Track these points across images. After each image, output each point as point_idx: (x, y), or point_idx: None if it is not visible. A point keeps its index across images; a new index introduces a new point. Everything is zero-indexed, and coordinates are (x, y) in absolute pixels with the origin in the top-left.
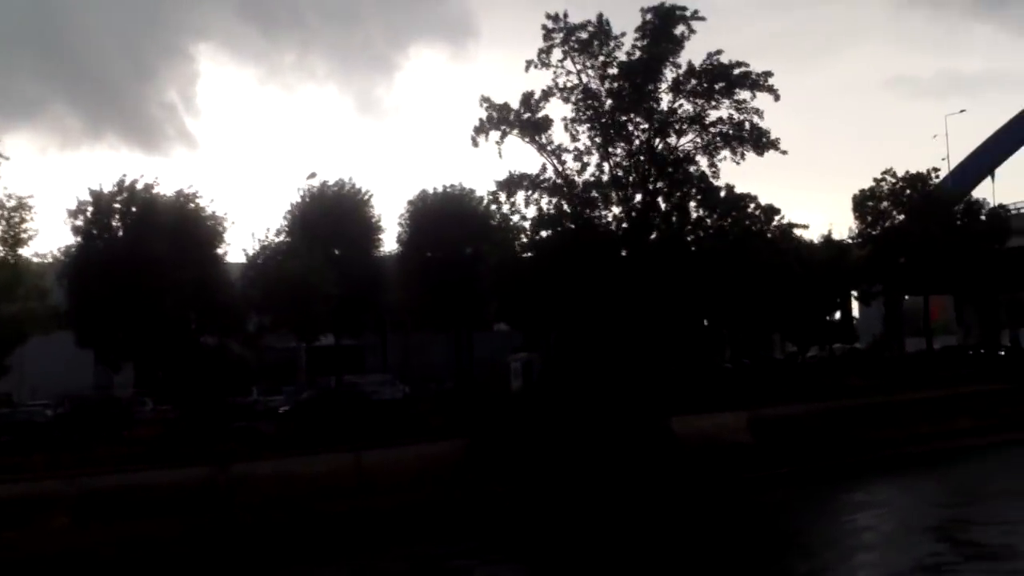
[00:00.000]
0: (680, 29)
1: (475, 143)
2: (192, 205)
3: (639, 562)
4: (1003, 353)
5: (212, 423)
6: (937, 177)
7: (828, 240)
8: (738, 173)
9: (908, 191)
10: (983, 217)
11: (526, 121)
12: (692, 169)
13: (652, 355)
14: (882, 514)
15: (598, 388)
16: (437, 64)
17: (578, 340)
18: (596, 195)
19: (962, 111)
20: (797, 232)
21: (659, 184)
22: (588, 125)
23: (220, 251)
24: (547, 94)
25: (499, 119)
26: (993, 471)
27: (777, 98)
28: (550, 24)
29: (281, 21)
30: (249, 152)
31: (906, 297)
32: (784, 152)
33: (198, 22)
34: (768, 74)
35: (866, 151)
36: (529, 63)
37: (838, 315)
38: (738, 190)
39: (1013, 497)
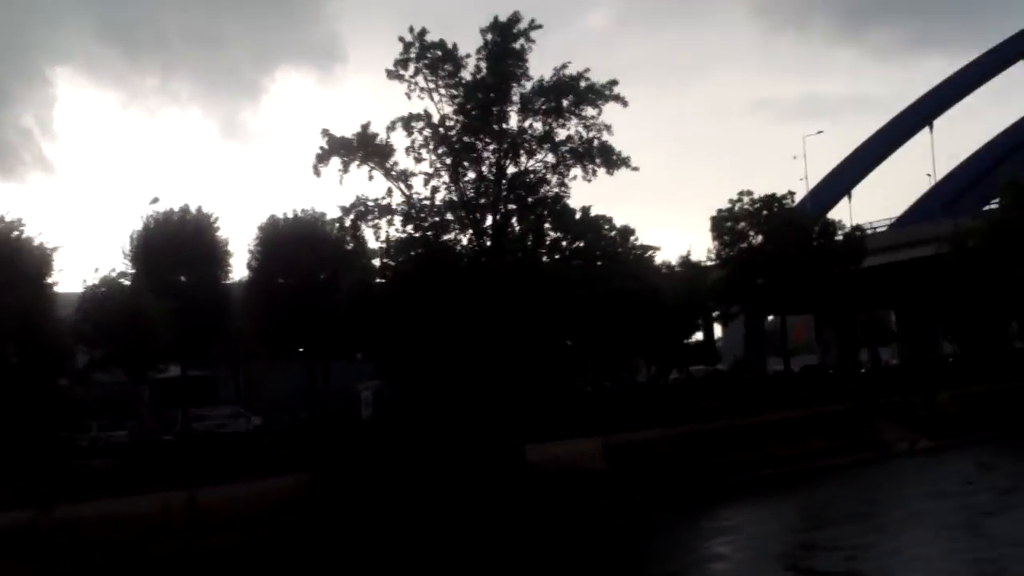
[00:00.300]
0: (520, 43)
1: (317, 172)
2: (16, 234)
3: None
4: (864, 371)
5: (39, 462)
6: (793, 199)
7: (686, 261)
8: (608, 198)
9: (764, 212)
10: (839, 237)
11: (369, 149)
12: (544, 190)
13: (504, 381)
14: (733, 541)
15: (446, 416)
16: (304, 88)
17: (426, 367)
18: (449, 219)
19: (819, 132)
20: (649, 254)
21: (512, 206)
22: (438, 148)
23: (48, 282)
24: (394, 124)
25: (341, 147)
26: (844, 493)
27: (625, 105)
28: (408, 38)
29: (144, 43)
30: (108, 178)
31: (770, 318)
32: (635, 169)
33: (56, 44)
34: (613, 82)
35: (732, 173)
36: (389, 73)
37: (700, 336)
38: (612, 216)
39: (859, 520)
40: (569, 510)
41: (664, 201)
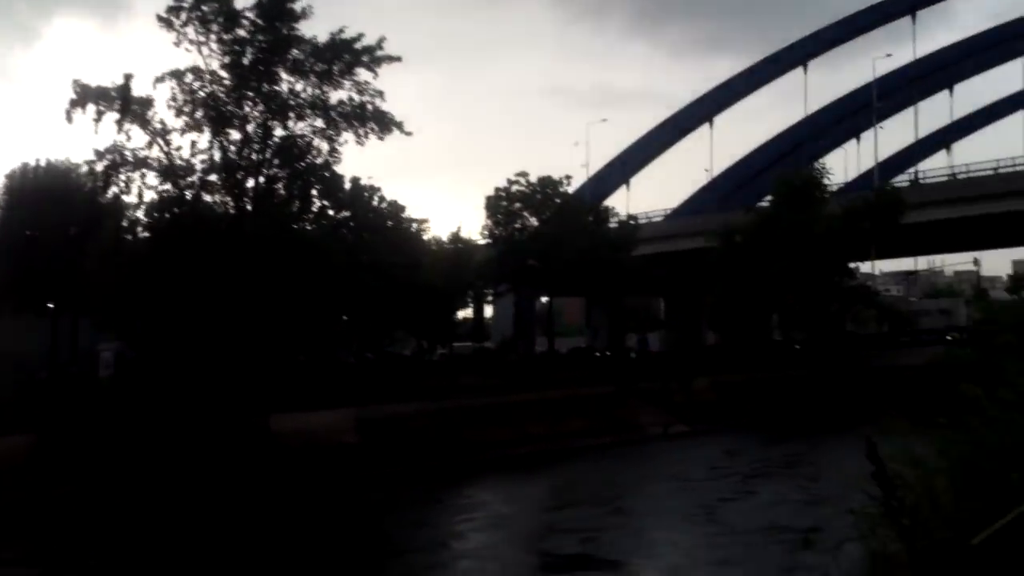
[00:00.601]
0: (301, 5)
1: (69, 119)
2: None
3: (204, 564)
4: (632, 356)
5: None
6: (569, 183)
7: (455, 238)
8: (398, 174)
9: (539, 195)
10: (613, 224)
11: (127, 100)
12: (313, 156)
13: (252, 349)
14: (476, 519)
15: (188, 381)
16: (84, 35)
17: (172, 330)
18: (211, 180)
19: (604, 120)
20: (417, 228)
21: (278, 171)
22: (203, 105)
23: None
24: (163, 77)
25: (98, 96)
26: (593, 474)
27: (399, 60)
28: None
29: None
30: None
31: (544, 299)
32: (409, 133)
33: None
34: (383, 40)
35: (525, 156)
36: (160, 19)
37: (469, 313)
38: (398, 195)
39: (603, 503)
40: (314, 483)
41: (457, 181)
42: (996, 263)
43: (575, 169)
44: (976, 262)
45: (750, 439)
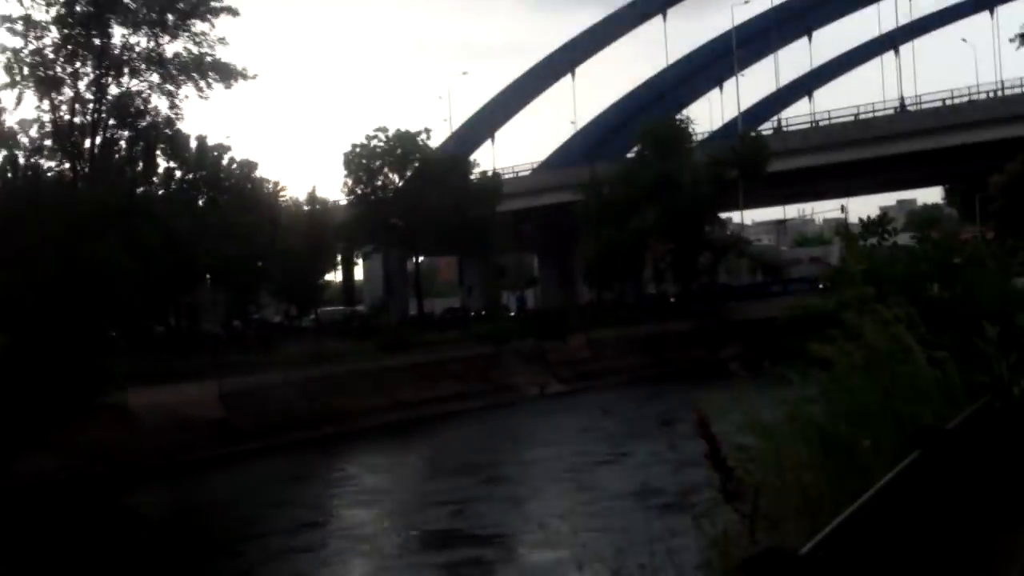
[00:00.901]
0: None
1: None
2: None
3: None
4: (512, 314)
5: None
6: (429, 135)
7: (312, 198)
8: (251, 137)
9: (399, 150)
10: (475, 178)
11: None
12: (152, 113)
13: (95, 323)
14: (345, 494)
15: (24, 357)
16: None
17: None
18: (45, 143)
19: (464, 73)
20: (270, 187)
21: (115, 132)
22: (30, 61)
23: None
24: None
25: None
26: (466, 441)
27: (237, 15)
28: None
29: None
30: None
31: (421, 259)
32: (253, 77)
33: None
34: None
35: (386, 111)
36: None
37: (339, 276)
38: (247, 152)
39: (474, 471)
40: (175, 461)
41: (320, 140)
42: (865, 210)
43: (439, 124)
44: (843, 209)
45: (626, 397)
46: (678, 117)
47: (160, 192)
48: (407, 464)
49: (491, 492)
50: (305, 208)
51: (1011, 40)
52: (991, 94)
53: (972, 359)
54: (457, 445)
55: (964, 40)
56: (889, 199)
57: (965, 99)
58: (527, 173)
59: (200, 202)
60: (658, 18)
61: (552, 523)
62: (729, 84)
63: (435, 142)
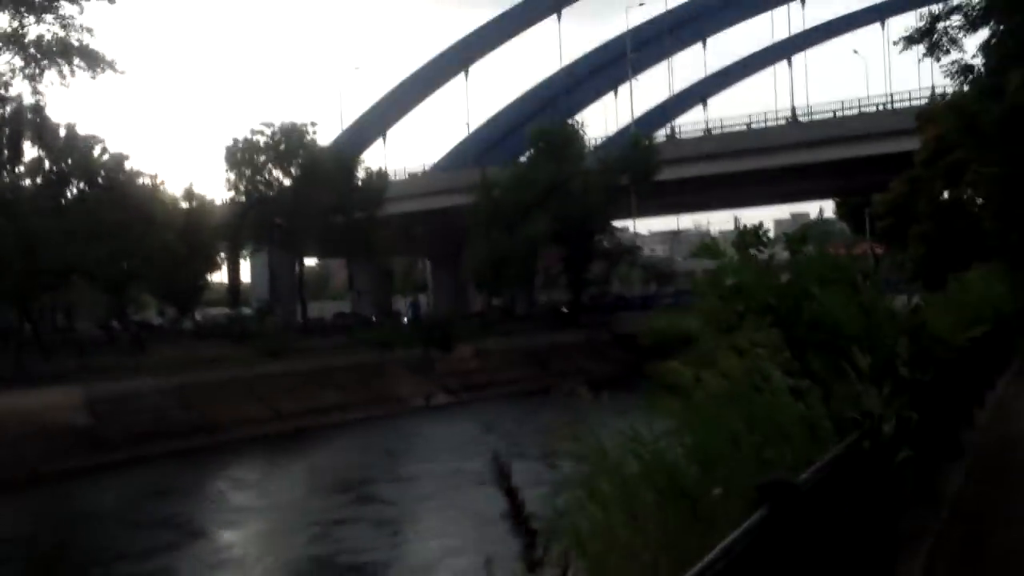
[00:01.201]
0: None
1: None
2: None
3: None
4: (405, 320)
5: None
6: (315, 129)
7: (189, 194)
8: (130, 132)
9: (283, 145)
10: (360, 177)
11: None
12: (14, 99)
13: None
14: (207, 515)
15: None
16: None
17: None
18: None
19: (356, 68)
20: (144, 181)
21: None
22: None
23: None
24: None
25: None
26: (342, 455)
27: (112, 2)
28: None
29: None
30: None
31: (310, 261)
32: (121, 72)
33: None
34: None
35: (276, 107)
36: None
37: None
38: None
39: (346, 489)
40: (36, 472)
41: (208, 137)
42: (759, 220)
43: (332, 122)
44: (736, 220)
45: (511, 410)
46: (570, 121)
47: (25, 183)
48: (279, 480)
49: (362, 513)
50: (183, 205)
51: (895, 43)
52: (880, 107)
53: (844, 389)
54: (334, 460)
55: (856, 52)
56: (785, 212)
57: (855, 111)
58: (420, 174)
59: (68, 195)
60: (553, 18)
61: (421, 551)
62: (625, 88)
63: (328, 139)
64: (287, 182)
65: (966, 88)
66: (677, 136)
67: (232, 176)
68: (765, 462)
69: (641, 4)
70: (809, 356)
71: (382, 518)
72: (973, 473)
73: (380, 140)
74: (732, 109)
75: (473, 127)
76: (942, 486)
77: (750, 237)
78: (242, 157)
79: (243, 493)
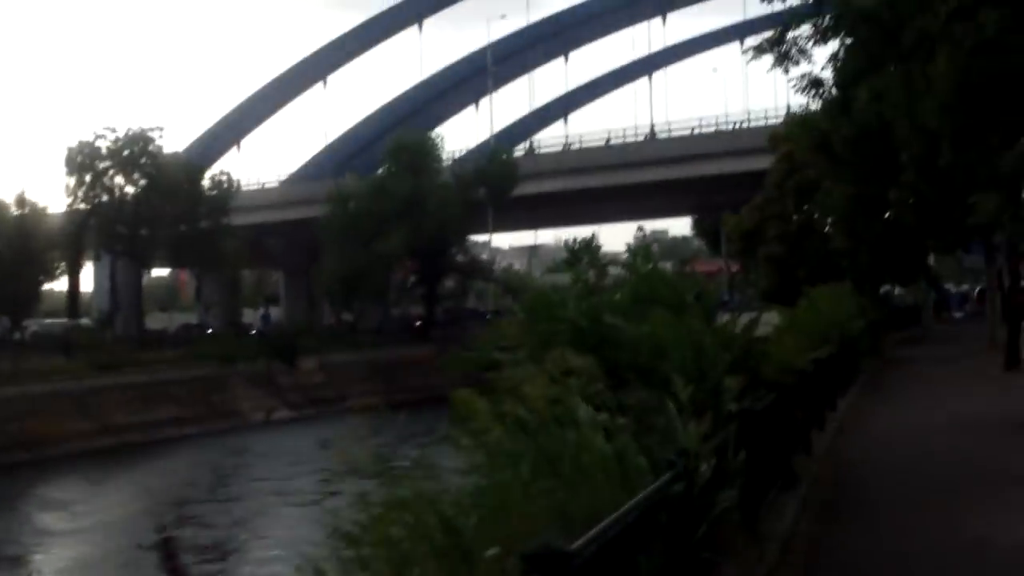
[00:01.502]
0: None
1: None
2: None
3: None
4: (254, 332)
5: None
6: (162, 135)
7: (21, 201)
8: None
9: (127, 151)
10: (207, 185)
11: None
12: None
13: None
14: (12, 540)
15: None
16: None
17: None
18: None
19: (211, 72)
20: None
21: None
22: None
23: None
24: None
25: None
26: (172, 474)
27: None
28: None
29: None
30: None
31: (166, 271)
32: None
33: None
34: None
35: (126, 111)
36: None
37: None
38: None
39: (164, 511)
40: None
41: (54, 141)
42: (622, 238)
43: (193, 128)
44: (593, 236)
45: (352, 426)
46: (430, 134)
47: None
48: (97, 499)
49: (178, 536)
50: (14, 211)
51: (744, 52)
52: (737, 125)
53: (663, 424)
54: (160, 477)
55: (715, 70)
56: (648, 228)
57: (713, 129)
58: (275, 185)
59: None
60: (415, 29)
61: None
62: (486, 101)
63: (183, 146)
64: (130, 190)
65: (817, 105)
66: (537, 151)
67: (71, 182)
68: (563, 511)
69: (503, 17)
70: (630, 385)
71: (196, 543)
72: (808, 504)
73: (235, 149)
74: (594, 124)
75: (333, 138)
76: (772, 524)
77: (582, 251)
78: (83, 163)
79: (51, 515)
